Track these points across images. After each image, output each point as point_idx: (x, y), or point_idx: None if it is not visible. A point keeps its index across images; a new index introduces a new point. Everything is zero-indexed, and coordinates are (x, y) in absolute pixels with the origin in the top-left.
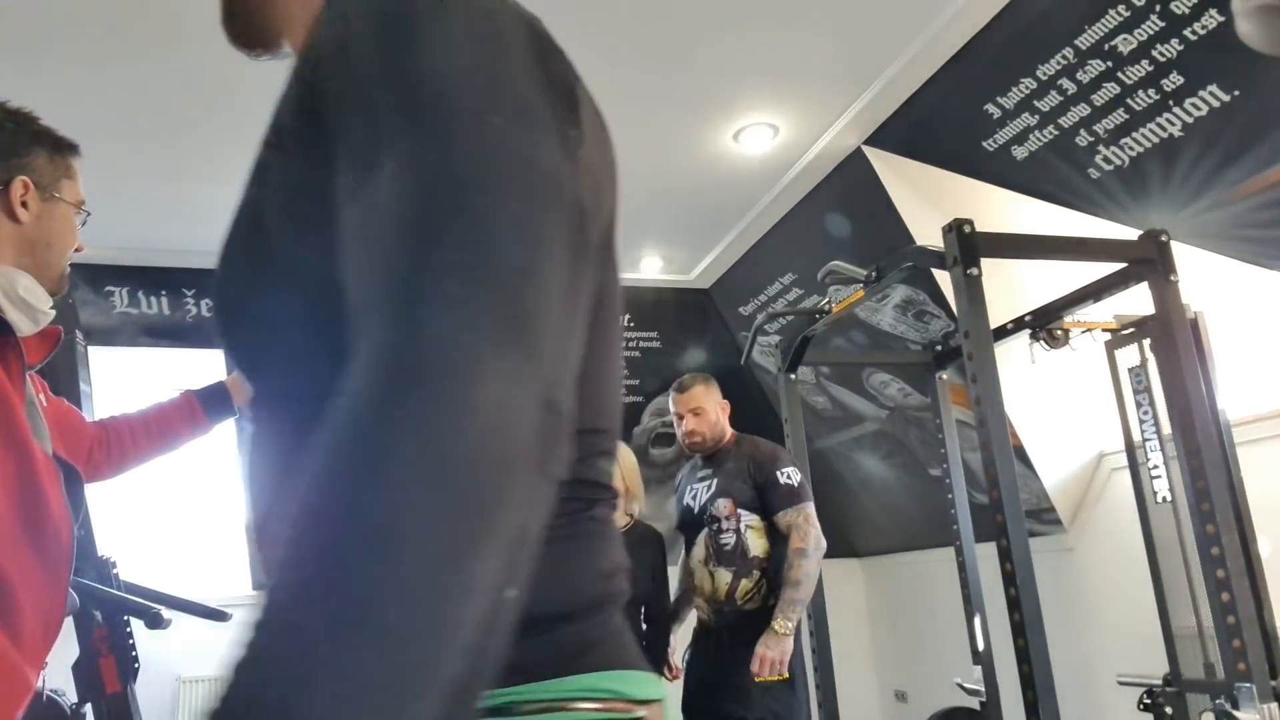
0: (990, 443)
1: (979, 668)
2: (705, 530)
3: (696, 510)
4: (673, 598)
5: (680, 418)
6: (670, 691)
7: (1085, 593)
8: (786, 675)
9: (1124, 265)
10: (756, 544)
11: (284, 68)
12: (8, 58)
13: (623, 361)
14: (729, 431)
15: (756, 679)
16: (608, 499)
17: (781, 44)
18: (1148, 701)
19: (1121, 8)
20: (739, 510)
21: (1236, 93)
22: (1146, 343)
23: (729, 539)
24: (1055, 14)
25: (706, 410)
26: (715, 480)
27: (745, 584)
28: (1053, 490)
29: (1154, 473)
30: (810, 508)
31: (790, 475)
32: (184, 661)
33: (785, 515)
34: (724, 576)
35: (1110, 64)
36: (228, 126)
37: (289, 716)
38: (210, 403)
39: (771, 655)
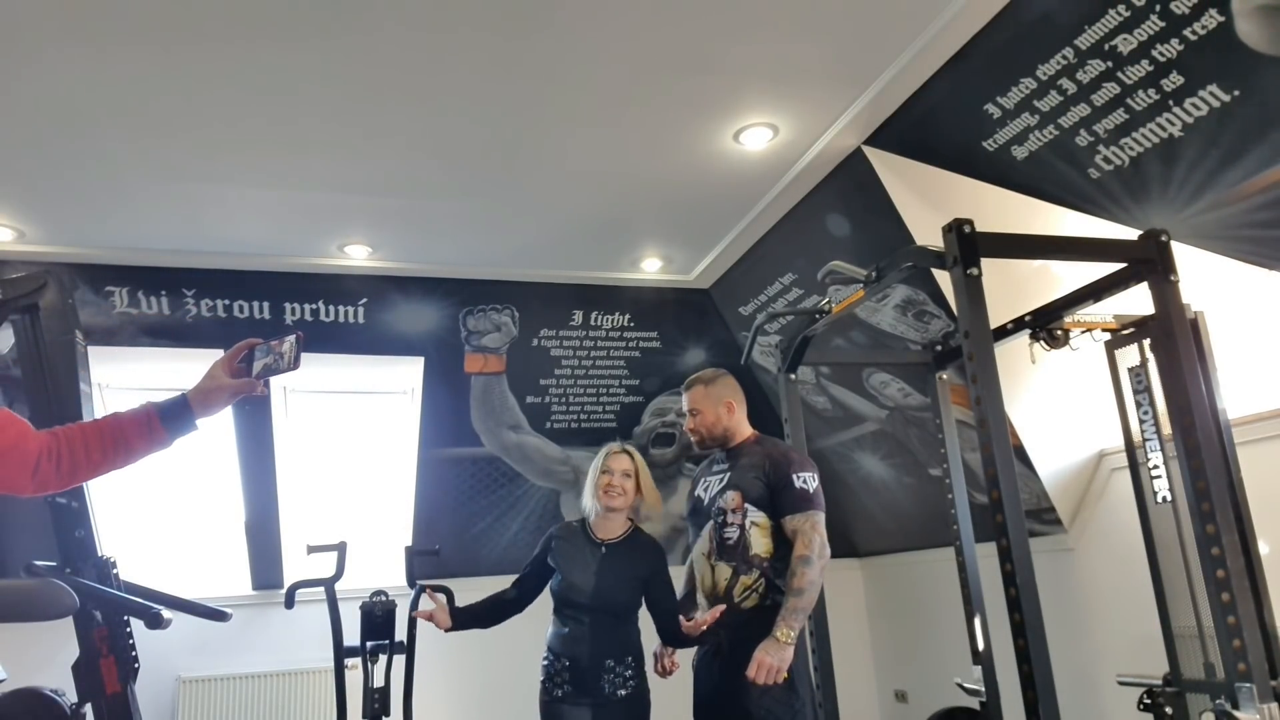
0: (990, 443)
1: (979, 668)
2: (711, 523)
3: (706, 502)
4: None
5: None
6: (678, 693)
7: (1085, 592)
8: (786, 676)
9: (1124, 265)
10: (759, 542)
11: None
12: (8, 54)
13: None
14: (745, 429)
15: (754, 685)
16: None
17: (781, 44)
18: (1148, 701)
19: (1121, 8)
20: (746, 505)
21: (1236, 93)
22: (1146, 343)
23: (732, 533)
24: (1055, 14)
25: (703, 411)
26: (729, 474)
27: (744, 580)
28: (1053, 490)
29: (1154, 473)
30: (820, 517)
31: (807, 481)
32: (184, 661)
33: (793, 520)
34: (724, 571)
35: (1110, 64)
36: (228, 126)
37: None
38: (170, 417)
39: (770, 661)
